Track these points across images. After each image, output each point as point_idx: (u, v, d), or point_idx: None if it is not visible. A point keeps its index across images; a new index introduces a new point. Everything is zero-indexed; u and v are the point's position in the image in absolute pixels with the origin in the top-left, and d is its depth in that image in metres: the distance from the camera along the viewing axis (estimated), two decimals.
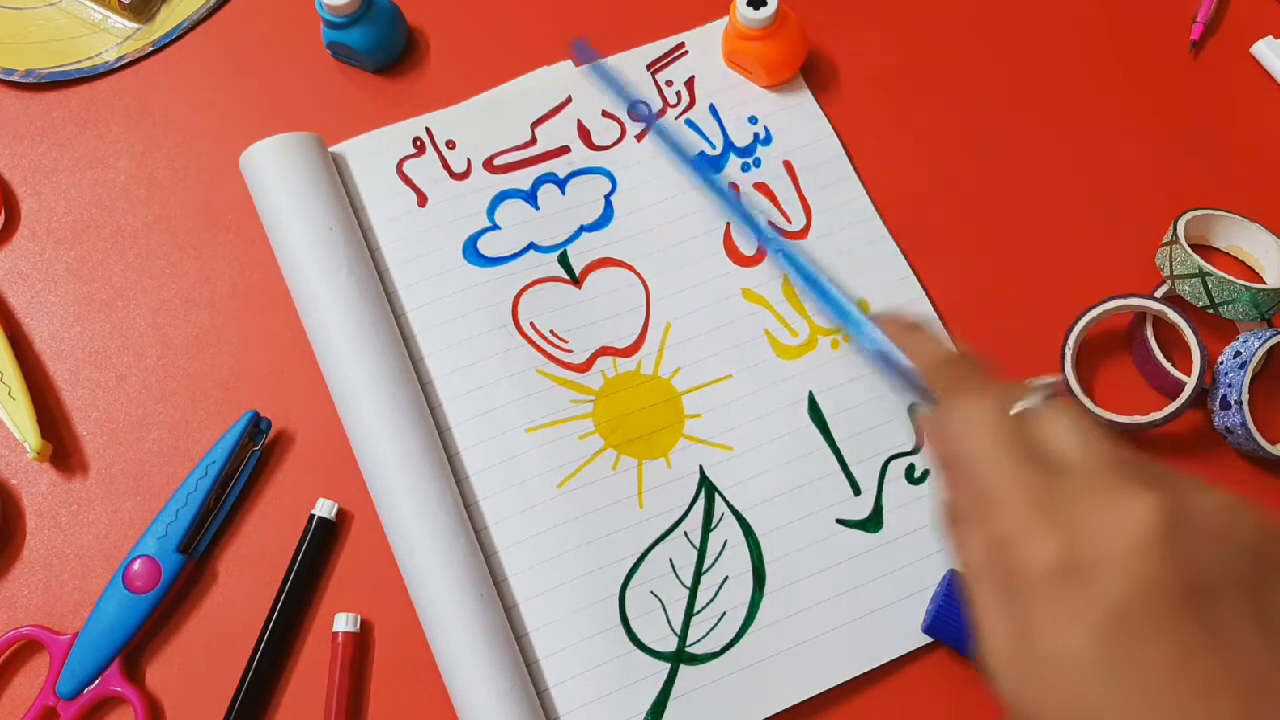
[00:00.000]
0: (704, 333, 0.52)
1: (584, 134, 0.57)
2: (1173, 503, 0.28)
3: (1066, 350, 0.51)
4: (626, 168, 0.56)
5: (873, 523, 0.49)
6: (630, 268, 0.54)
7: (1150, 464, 0.30)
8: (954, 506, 0.32)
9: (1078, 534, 0.28)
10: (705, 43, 0.59)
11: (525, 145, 0.56)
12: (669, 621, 0.47)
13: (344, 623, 0.47)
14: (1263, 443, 0.48)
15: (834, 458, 0.50)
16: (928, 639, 0.47)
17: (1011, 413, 0.31)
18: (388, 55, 0.58)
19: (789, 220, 0.55)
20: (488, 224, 0.54)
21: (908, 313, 0.36)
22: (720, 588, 0.48)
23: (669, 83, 0.58)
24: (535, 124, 0.57)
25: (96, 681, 0.46)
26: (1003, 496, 0.30)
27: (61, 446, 0.51)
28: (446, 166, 0.56)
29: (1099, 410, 0.49)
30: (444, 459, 0.49)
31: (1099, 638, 0.27)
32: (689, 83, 0.58)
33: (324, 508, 0.49)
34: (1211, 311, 0.50)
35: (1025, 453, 0.30)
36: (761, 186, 0.56)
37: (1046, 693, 0.28)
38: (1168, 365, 0.50)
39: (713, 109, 0.57)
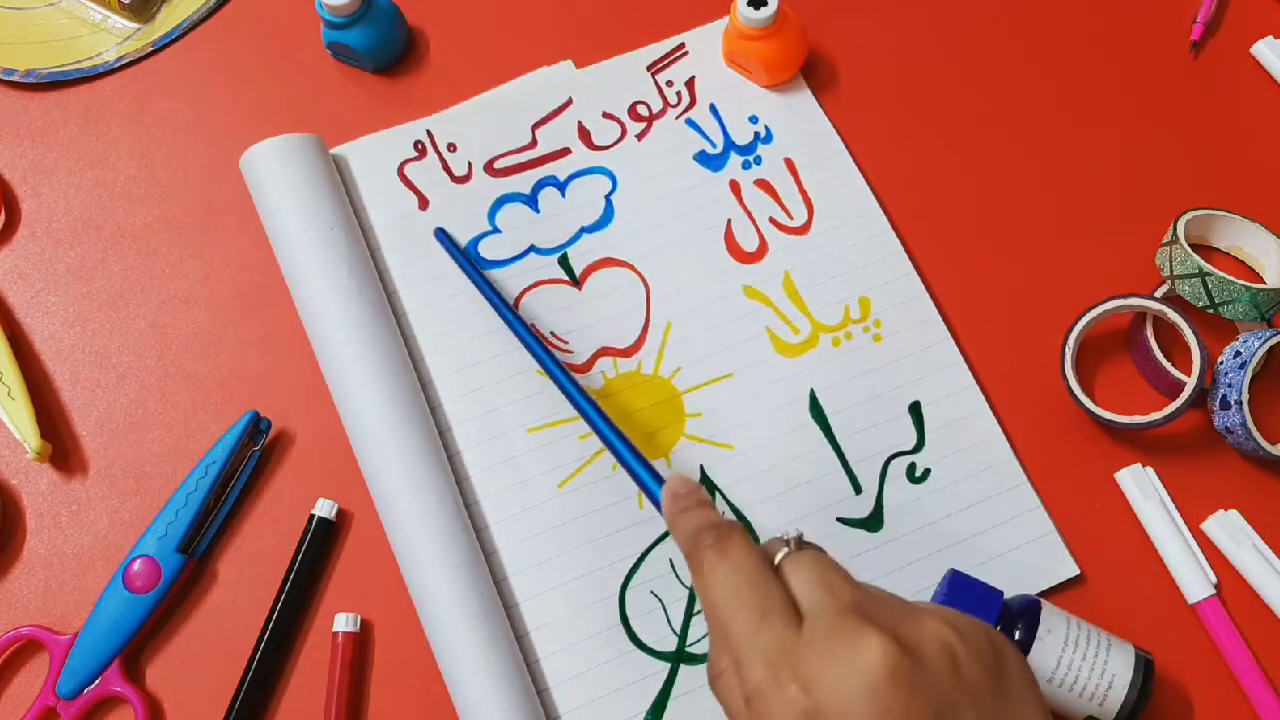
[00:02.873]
0: (705, 331, 0.52)
1: (584, 135, 0.57)
2: (901, 637, 0.30)
3: (1066, 350, 0.51)
4: (627, 166, 0.56)
5: (873, 522, 0.49)
6: (631, 267, 0.54)
7: (881, 599, 0.32)
8: (718, 665, 0.33)
9: (818, 682, 0.30)
10: (705, 43, 0.59)
11: (526, 148, 0.56)
12: (669, 621, 0.47)
13: (344, 623, 0.47)
14: (1263, 443, 0.48)
15: (835, 456, 0.50)
16: None
17: (770, 565, 0.34)
18: (388, 55, 0.58)
19: (791, 216, 0.55)
20: (488, 227, 0.54)
21: (693, 482, 0.39)
22: None
23: (669, 83, 0.58)
24: (536, 126, 0.57)
25: (96, 681, 0.46)
26: (749, 655, 0.31)
27: (61, 446, 0.51)
28: (447, 169, 0.56)
29: (1099, 410, 0.49)
30: (444, 459, 0.49)
31: None
32: (689, 83, 0.58)
33: (324, 508, 0.49)
34: (1211, 311, 0.50)
35: (770, 608, 0.32)
36: (763, 183, 0.56)
37: None
38: (1168, 365, 0.50)
39: (713, 108, 0.57)
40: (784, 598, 0.32)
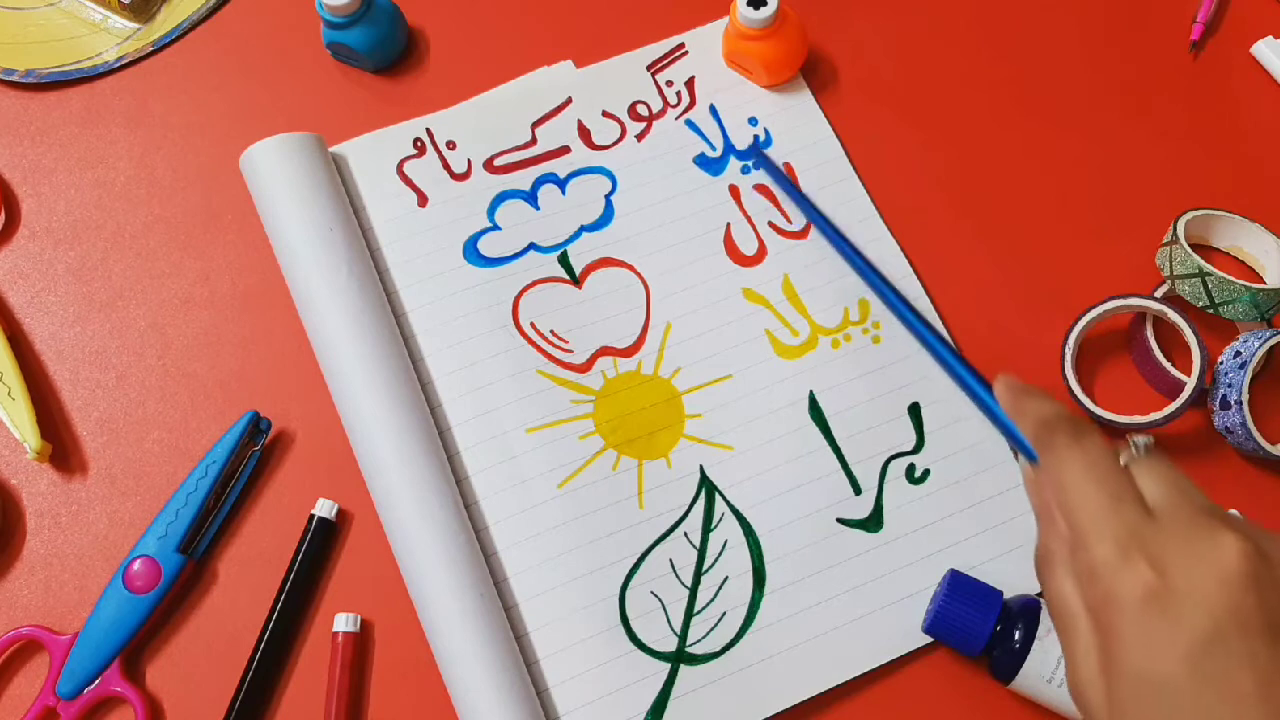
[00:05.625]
0: (704, 332, 0.52)
1: (584, 134, 0.57)
2: (1257, 545, 0.31)
3: (1066, 350, 0.51)
4: (627, 167, 0.56)
5: (873, 523, 0.49)
6: (630, 267, 0.54)
7: (1232, 515, 0.33)
8: (1048, 549, 0.34)
9: (1170, 566, 0.31)
10: (705, 43, 0.59)
11: (525, 145, 0.56)
12: (669, 621, 0.47)
13: (344, 623, 0.47)
14: (1263, 443, 0.48)
15: (834, 457, 0.50)
16: (928, 639, 0.47)
17: (1120, 463, 0.34)
18: (388, 55, 0.58)
19: (790, 221, 0.55)
20: (488, 224, 0.54)
21: (1020, 379, 0.39)
22: (720, 588, 0.48)
23: (669, 83, 0.58)
24: (535, 124, 0.57)
25: (96, 681, 0.46)
26: (1099, 532, 0.32)
27: (61, 446, 0.51)
28: (447, 167, 0.56)
29: (1099, 410, 0.49)
30: (444, 459, 0.49)
31: (1189, 661, 0.29)
32: (689, 83, 0.58)
33: (324, 508, 0.49)
34: (1211, 311, 0.50)
35: (1124, 495, 0.33)
36: (762, 188, 0.56)
37: (1134, 715, 0.30)
38: (1168, 365, 0.50)
39: (713, 109, 0.57)
40: (1137, 491, 0.33)
